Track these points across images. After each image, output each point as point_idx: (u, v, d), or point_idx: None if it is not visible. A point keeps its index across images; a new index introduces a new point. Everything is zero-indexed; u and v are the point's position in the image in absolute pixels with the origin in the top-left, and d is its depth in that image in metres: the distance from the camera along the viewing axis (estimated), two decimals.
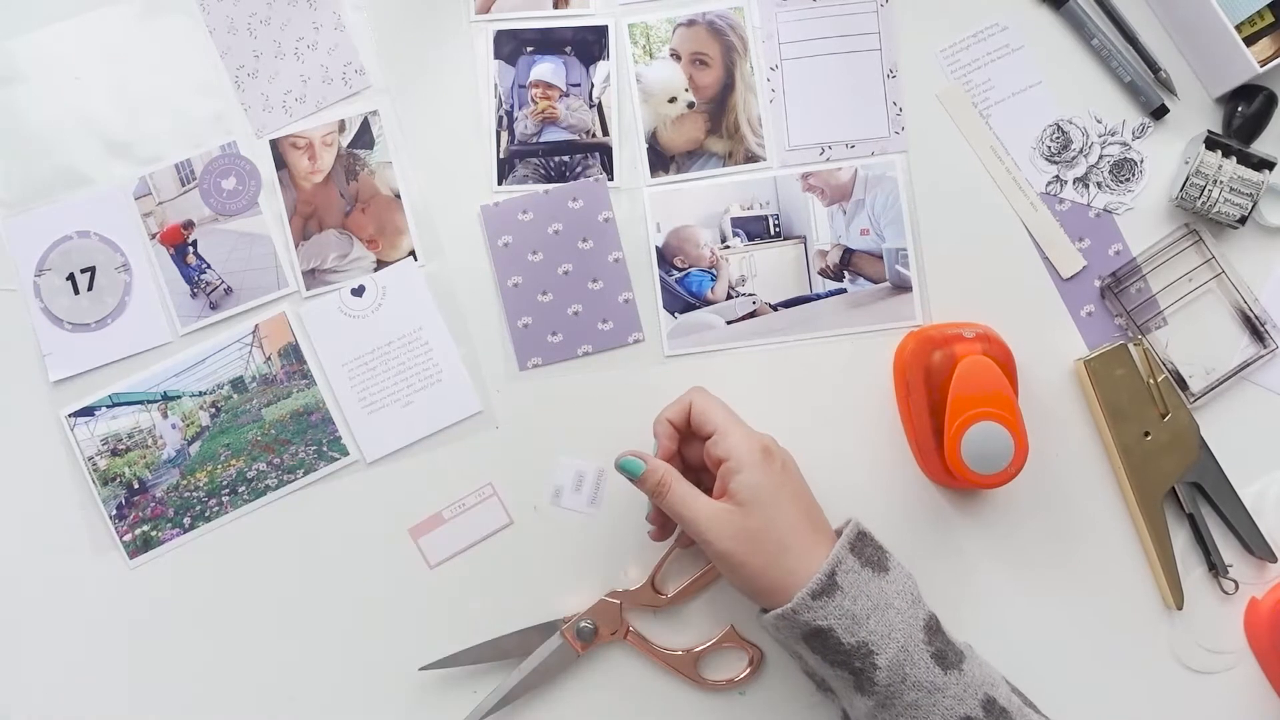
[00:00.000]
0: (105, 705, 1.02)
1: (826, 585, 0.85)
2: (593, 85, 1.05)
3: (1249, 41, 0.97)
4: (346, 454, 1.03)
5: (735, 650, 1.01)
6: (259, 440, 1.04)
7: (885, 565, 0.88)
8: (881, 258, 1.03)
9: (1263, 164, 0.99)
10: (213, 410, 1.04)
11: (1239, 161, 0.98)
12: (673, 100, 1.04)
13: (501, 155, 1.04)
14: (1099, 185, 1.02)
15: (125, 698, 1.02)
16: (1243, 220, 0.99)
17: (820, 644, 0.85)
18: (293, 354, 1.04)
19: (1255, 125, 1.00)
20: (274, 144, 1.05)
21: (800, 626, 0.85)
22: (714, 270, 1.03)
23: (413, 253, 1.04)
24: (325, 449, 1.03)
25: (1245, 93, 1.00)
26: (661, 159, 1.04)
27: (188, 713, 1.02)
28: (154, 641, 1.02)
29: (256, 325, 1.04)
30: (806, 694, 1.00)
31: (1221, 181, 0.98)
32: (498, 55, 1.05)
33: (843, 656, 0.85)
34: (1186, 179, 0.98)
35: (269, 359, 1.04)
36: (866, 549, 0.88)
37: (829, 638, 0.84)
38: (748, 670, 1.00)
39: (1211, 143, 0.98)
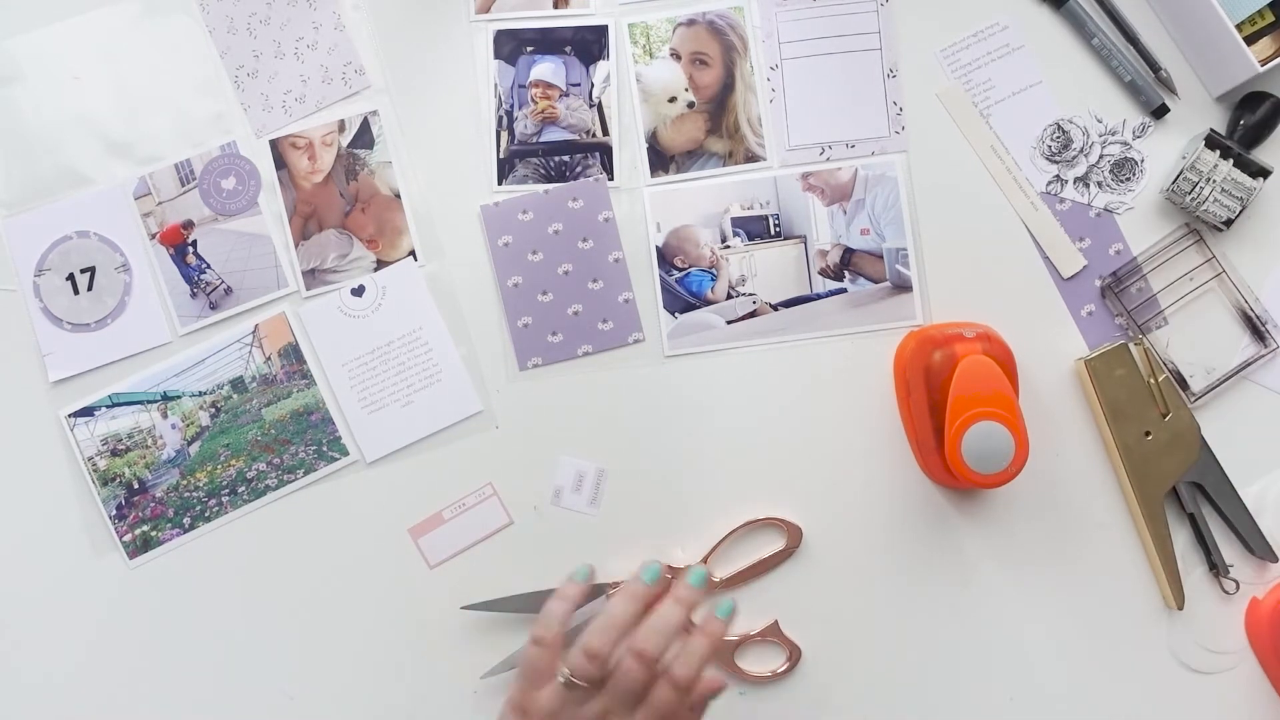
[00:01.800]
0: (105, 705, 1.02)
1: None
2: (593, 85, 1.05)
3: (1249, 41, 0.97)
4: (346, 454, 1.03)
5: (775, 645, 1.00)
6: (259, 440, 1.03)
7: None
8: (881, 257, 1.03)
9: (1260, 171, 0.99)
10: (212, 410, 1.04)
11: (1236, 164, 0.98)
12: (673, 100, 1.04)
13: (501, 155, 1.04)
14: (1099, 185, 1.02)
15: (125, 698, 1.02)
16: (1228, 223, 0.99)
17: None
18: (293, 354, 1.04)
19: (1258, 134, 1.00)
20: (274, 144, 1.05)
21: None
22: (714, 270, 1.03)
23: (413, 253, 1.04)
24: (325, 449, 1.03)
25: (1251, 101, 1.00)
26: (661, 159, 1.04)
27: (187, 713, 1.02)
28: (154, 641, 1.02)
29: (256, 325, 1.04)
30: (804, 698, 1.00)
31: (1215, 181, 0.98)
32: (498, 55, 1.05)
33: None
34: (1180, 173, 0.99)
35: (269, 359, 1.04)
36: None
37: None
38: (785, 666, 1.00)
39: (1212, 141, 0.98)
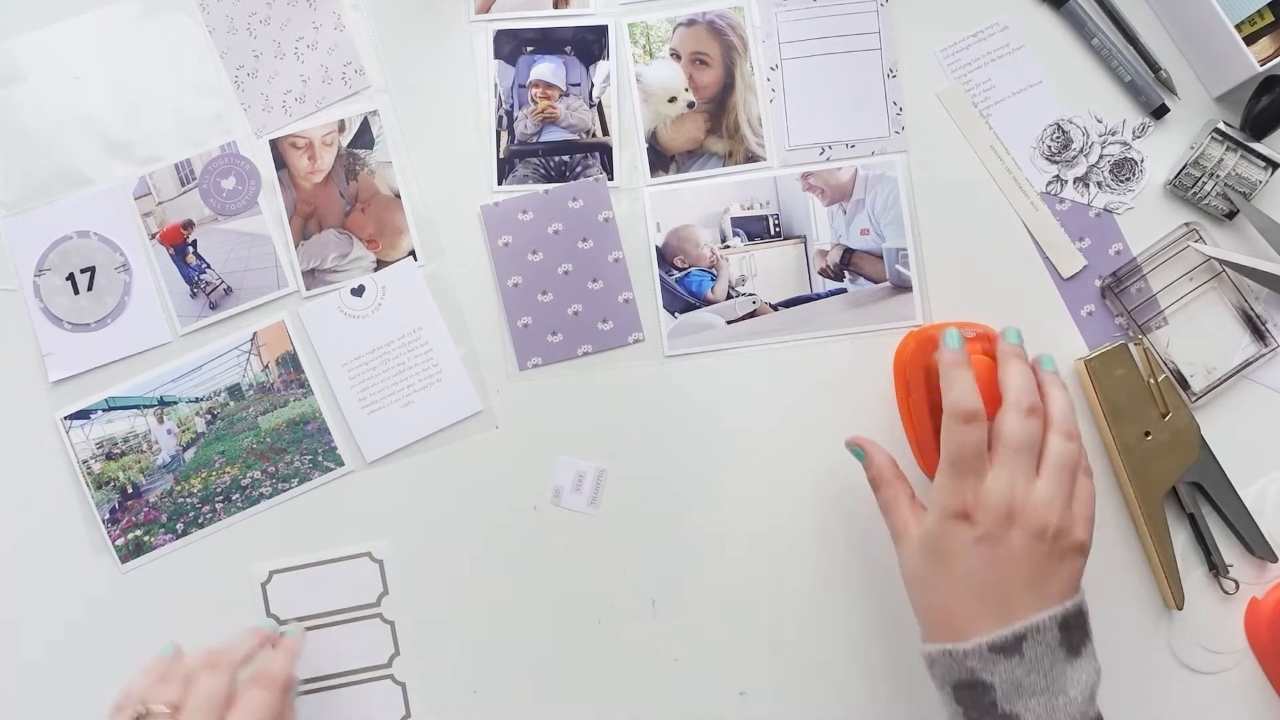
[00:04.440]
0: (105, 705, 1.02)
1: (1010, 644, 0.79)
2: (593, 85, 1.05)
3: (1249, 41, 0.97)
4: (342, 464, 1.03)
5: None
6: (254, 448, 1.03)
7: (1079, 650, 0.81)
8: (881, 257, 1.03)
9: (1270, 164, 0.99)
10: (209, 417, 1.03)
11: (1243, 157, 0.98)
12: (673, 100, 1.04)
13: (501, 155, 1.04)
14: (1099, 185, 1.02)
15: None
16: (1231, 215, 1.00)
17: (970, 698, 0.81)
18: (291, 363, 1.03)
19: (1272, 120, 1.00)
20: (274, 144, 1.05)
21: (961, 672, 0.81)
22: (714, 270, 1.03)
23: (413, 252, 1.04)
24: (320, 459, 1.03)
25: (1267, 86, 1.00)
26: (661, 159, 1.04)
27: None
28: (146, 647, 1.02)
29: (255, 333, 1.04)
30: (803, 698, 1.00)
31: (1219, 175, 0.99)
32: (498, 55, 1.05)
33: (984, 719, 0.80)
34: (1184, 166, 0.99)
35: (266, 367, 1.04)
36: (1073, 632, 0.81)
37: (983, 695, 0.80)
38: None
39: (1220, 135, 0.99)
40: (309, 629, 1.02)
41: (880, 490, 0.91)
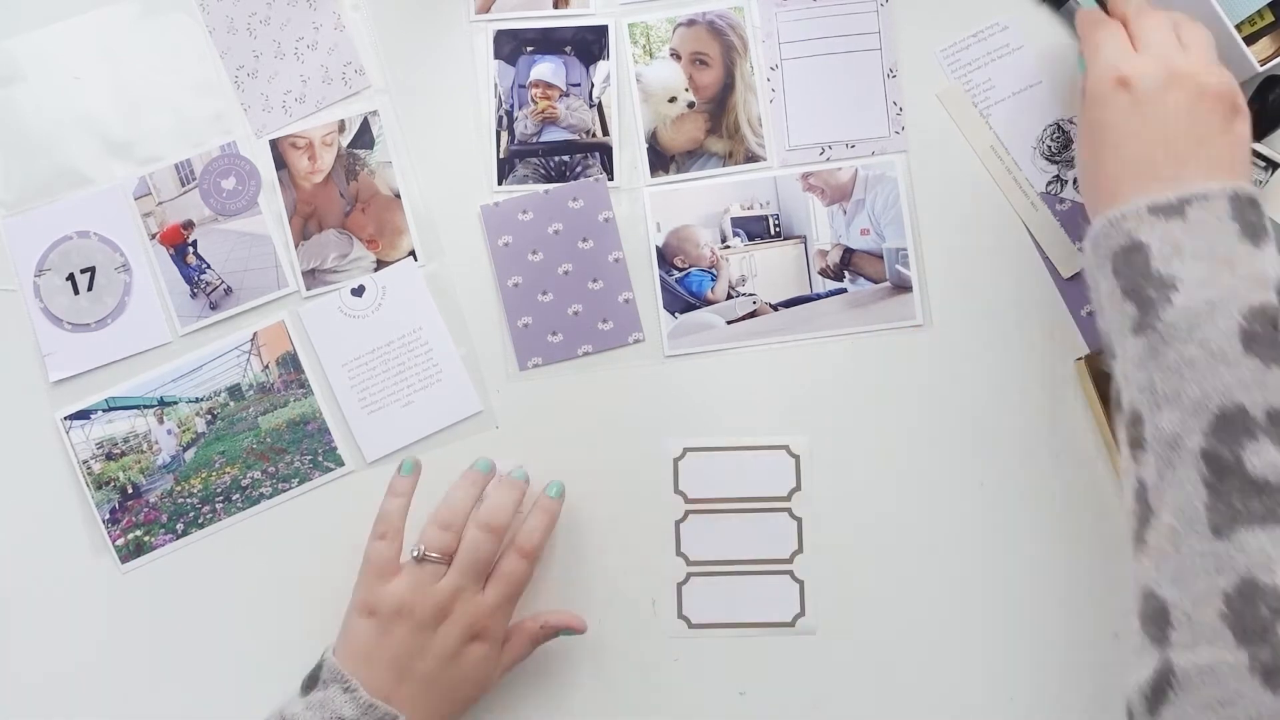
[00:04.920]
0: (103, 706, 1.02)
1: (1172, 207, 0.77)
2: (593, 85, 1.05)
3: (1249, 41, 0.97)
4: (342, 464, 1.03)
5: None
6: (254, 449, 1.03)
7: (1258, 241, 0.76)
8: (881, 257, 1.03)
9: (1270, 164, 0.99)
10: (209, 417, 1.03)
11: None
12: (673, 100, 1.04)
13: (501, 155, 1.04)
14: None
15: (123, 700, 1.02)
16: None
17: (1126, 265, 0.77)
18: (291, 363, 1.03)
19: (1272, 120, 0.99)
20: (274, 144, 1.05)
21: (1119, 237, 0.78)
22: (714, 270, 1.03)
23: (413, 253, 1.04)
24: (320, 459, 1.03)
25: (1269, 84, 1.00)
26: (661, 159, 1.04)
27: (189, 712, 1.02)
28: (145, 648, 1.02)
29: (255, 333, 1.04)
30: (801, 701, 1.00)
31: None
32: (498, 55, 1.05)
33: (1139, 283, 0.76)
34: None
35: (267, 367, 1.04)
36: (1248, 213, 0.77)
37: (1138, 258, 0.77)
38: None
39: None
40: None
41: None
